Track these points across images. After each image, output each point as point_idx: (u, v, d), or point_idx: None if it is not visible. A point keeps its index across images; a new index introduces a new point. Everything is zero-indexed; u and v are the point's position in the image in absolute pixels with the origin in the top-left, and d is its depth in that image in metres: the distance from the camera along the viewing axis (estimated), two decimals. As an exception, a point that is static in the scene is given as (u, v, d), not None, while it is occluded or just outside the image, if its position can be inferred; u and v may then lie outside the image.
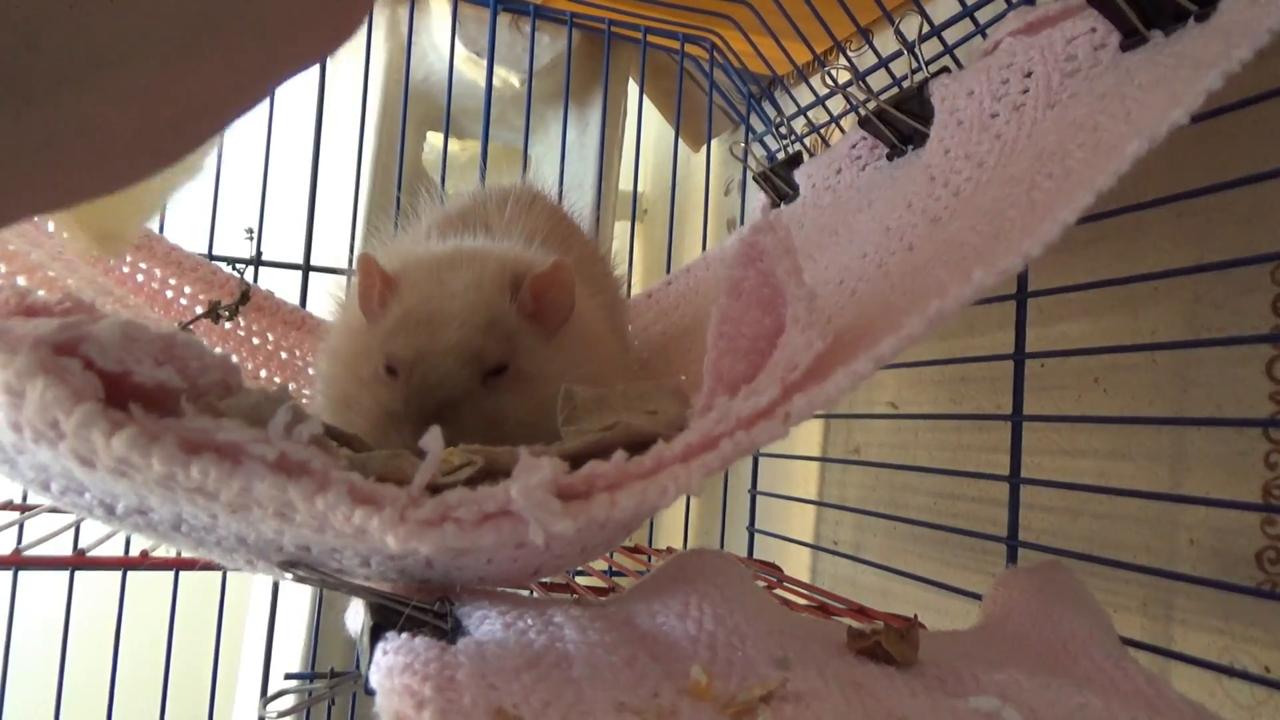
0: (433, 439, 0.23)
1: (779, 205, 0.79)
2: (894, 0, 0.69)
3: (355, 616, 0.30)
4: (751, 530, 0.89)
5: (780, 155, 0.83)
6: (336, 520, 0.22)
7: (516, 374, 0.44)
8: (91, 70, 0.15)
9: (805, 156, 0.77)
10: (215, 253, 0.78)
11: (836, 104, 0.78)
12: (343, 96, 0.95)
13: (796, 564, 0.87)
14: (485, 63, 0.90)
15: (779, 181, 0.77)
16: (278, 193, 0.83)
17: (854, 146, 0.66)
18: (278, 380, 0.72)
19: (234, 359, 0.21)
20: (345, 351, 0.48)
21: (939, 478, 0.69)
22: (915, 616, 0.40)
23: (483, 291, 0.44)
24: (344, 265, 0.85)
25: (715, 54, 0.95)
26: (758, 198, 0.84)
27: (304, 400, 0.63)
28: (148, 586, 0.76)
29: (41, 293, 0.23)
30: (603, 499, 0.21)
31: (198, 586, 0.78)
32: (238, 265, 0.72)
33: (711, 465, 0.22)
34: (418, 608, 0.29)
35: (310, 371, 0.72)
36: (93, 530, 0.49)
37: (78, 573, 0.70)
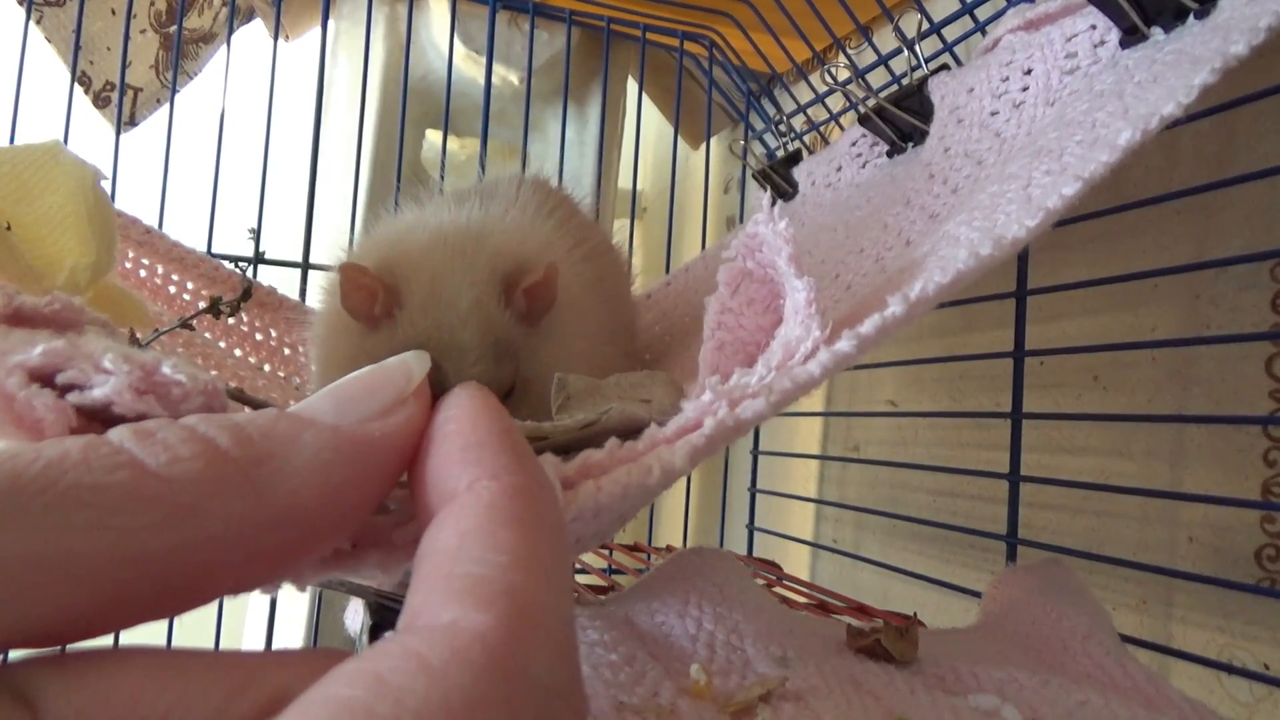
0: None
1: (779, 203, 0.78)
2: (893, -3, 0.69)
3: (354, 616, 0.30)
4: (751, 528, 0.89)
5: (780, 153, 0.83)
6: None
7: (524, 385, 0.43)
8: None
9: (805, 154, 0.77)
10: (214, 250, 0.78)
11: (836, 101, 0.78)
12: (341, 94, 0.95)
13: (796, 562, 0.87)
14: (484, 60, 0.90)
15: (779, 179, 0.77)
16: (277, 190, 0.83)
17: (854, 144, 0.66)
18: (281, 374, 0.72)
19: (218, 382, 0.20)
20: (339, 355, 0.47)
21: (938, 475, 0.69)
22: (915, 614, 0.40)
23: (483, 309, 0.43)
24: (343, 263, 0.85)
25: (715, 51, 0.95)
26: (758, 195, 0.84)
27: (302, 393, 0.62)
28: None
29: (29, 298, 0.22)
30: (588, 486, 0.21)
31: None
32: (240, 264, 0.72)
33: (696, 444, 0.22)
34: (417, 607, 0.29)
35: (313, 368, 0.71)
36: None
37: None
